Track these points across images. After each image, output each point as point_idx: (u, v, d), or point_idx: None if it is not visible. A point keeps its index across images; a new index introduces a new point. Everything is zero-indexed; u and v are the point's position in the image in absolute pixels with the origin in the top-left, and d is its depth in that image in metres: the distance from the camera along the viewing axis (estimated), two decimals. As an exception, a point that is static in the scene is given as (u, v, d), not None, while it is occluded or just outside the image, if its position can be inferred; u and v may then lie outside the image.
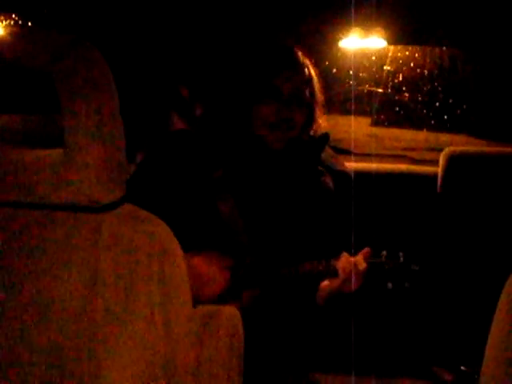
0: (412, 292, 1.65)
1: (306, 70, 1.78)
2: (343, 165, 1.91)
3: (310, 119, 1.81)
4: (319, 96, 1.83)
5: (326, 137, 1.84)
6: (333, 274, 1.62)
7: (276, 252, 1.69)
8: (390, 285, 1.63)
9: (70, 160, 0.90)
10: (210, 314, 1.00)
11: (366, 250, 1.64)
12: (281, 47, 1.80)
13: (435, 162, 2.31)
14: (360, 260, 1.61)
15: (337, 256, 1.64)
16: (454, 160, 2.17)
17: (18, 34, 0.99)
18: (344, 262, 1.61)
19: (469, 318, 2.04)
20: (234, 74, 1.83)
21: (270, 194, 1.75)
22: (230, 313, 1.02)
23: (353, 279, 1.59)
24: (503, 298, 0.88)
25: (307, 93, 1.77)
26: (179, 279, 0.97)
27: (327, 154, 1.87)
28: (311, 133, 1.84)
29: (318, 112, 1.84)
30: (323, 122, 1.86)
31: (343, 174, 1.88)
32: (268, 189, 1.75)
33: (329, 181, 1.83)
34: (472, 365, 1.81)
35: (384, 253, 1.64)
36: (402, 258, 1.63)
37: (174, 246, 0.98)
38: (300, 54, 1.79)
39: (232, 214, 1.72)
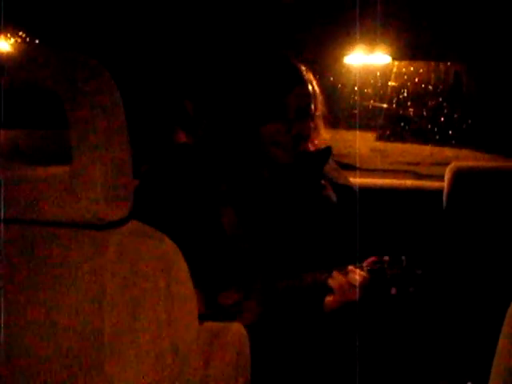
0: (416, 297, 1.64)
1: (310, 84, 1.78)
2: (346, 178, 1.90)
3: (315, 131, 1.82)
4: (322, 108, 1.83)
5: (328, 150, 1.84)
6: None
7: (279, 264, 1.69)
8: (393, 290, 1.63)
9: (76, 177, 0.90)
10: (217, 331, 1.00)
11: (371, 259, 1.64)
12: (287, 65, 1.80)
13: (441, 177, 2.30)
14: (353, 276, 1.60)
15: (340, 267, 1.64)
16: (459, 175, 2.17)
17: (26, 52, 1.00)
18: (334, 282, 1.61)
19: (474, 330, 2.03)
20: (241, 92, 1.82)
21: (275, 207, 1.75)
22: (237, 330, 1.01)
23: (354, 291, 1.60)
24: (510, 313, 0.88)
25: (312, 107, 1.77)
26: (186, 296, 0.97)
27: (330, 167, 1.87)
28: (313, 145, 1.84)
29: (321, 124, 1.84)
30: (325, 134, 1.86)
31: (346, 188, 1.88)
32: (273, 202, 1.75)
33: (331, 194, 1.83)
34: (479, 380, 1.80)
35: (386, 258, 1.64)
36: (404, 263, 1.63)
37: (180, 262, 0.98)
38: (304, 69, 1.80)
39: (235, 227, 1.72)
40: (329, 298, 1.66)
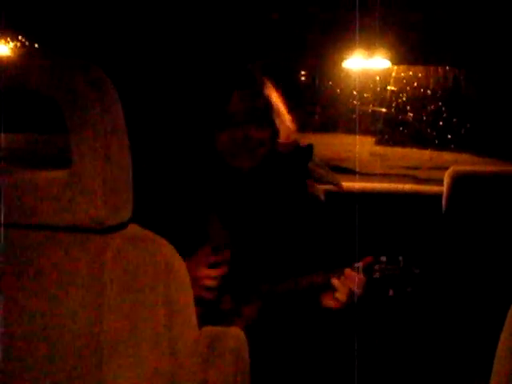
0: (414, 297, 1.63)
1: (259, 85, 1.76)
2: (333, 175, 1.88)
3: (274, 131, 1.78)
4: (278, 104, 1.80)
5: (309, 148, 1.82)
6: (331, 287, 1.61)
7: (270, 268, 1.68)
8: (391, 292, 1.61)
9: (76, 181, 0.90)
10: (216, 335, 0.99)
11: (367, 260, 1.63)
12: (224, 71, 1.78)
13: (440, 181, 2.31)
14: (351, 280, 1.60)
15: (334, 269, 1.63)
16: (458, 179, 2.17)
17: (25, 56, 1.00)
18: (341, 296, 1.61)
19: (472, 331, 2.03)
20: (188, 105, 1.82)
21: (252, 213, 1.74)
22: (235, 334, 1.01)
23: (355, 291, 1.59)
24: (509, 318, 0.88)
25: (262, 106, 1.74)
26: (184, 300, 0.97)
27: (314, 164, 1.85)
28: (282, 146, 1.81)
29: (282, 118, 1.81)
30: (291, 125, 1.83)
31: (332, 185, 1.87)
32: (249, 209, 1.74)
33: (318, 193, 1.81)
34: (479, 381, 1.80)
35: (384, 259, 1.63)
36: (402, 263, 1.62)
37: (180, 266, 0.98)
38: (250, 70, 1.78)
39: (220, 234, 1.71)
40: (329, 302, 1.65)
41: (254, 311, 1.65)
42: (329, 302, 1.64)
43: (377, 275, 1.61)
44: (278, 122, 1.78)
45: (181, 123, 1.86)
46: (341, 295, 1.60)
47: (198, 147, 1.76)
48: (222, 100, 1.69)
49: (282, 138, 1.80)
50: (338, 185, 1.88)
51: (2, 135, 1.06)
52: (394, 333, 2.16)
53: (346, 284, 1.60)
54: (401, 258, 1.62)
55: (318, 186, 1.84)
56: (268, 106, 1.75)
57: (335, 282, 1.60)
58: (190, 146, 1.79)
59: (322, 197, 1.82)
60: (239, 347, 1.01)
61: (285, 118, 1.80)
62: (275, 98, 1.79)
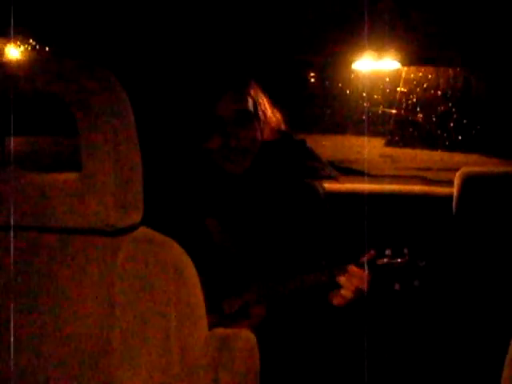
0: (421, 290, 1.61)
1: (244, 86, 1.75)
2: (330, 169, 1.85)
3: (261, 130, 1.77)
4: (265, 103, 1.80)
5: (301, 143, 1.81)
6: (337, 284, 1.60)
7: (269, 267, 1.68)
8: (397, 286, 1.60)
9: (86, 184, 0.91)
10: (226, 337, 1.00)
11: (371, 253, 1.61)
12: (208, 77, 1.77)
13: (450, 183, 2.30)
14: (356, 278, 1.58)
15: (339, 266, 1.62)
16: (469, 180, 2.16)
17: (36, 60, 1.00)
18: (347, 292, 1.60)
19: (481, 333, 2.02)
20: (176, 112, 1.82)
21: (250, 213, 1.73)
22: (246, 336, 1.01)
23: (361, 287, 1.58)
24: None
25: (249, 107, 1.74)
26: (195, 302, 0.97)
27: (312, 158, 1.83)
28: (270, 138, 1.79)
29: (269, 117, 1.80)
30: (278, 115, 1.82)
31: (329, 178, 1.86)
32: (246, 210, 1.74)
33: (317, 188, 1.80)
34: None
35: (388, 252, 1.61)
36: (407, 256, 1.60)
37: (190, 268, 0.99)
38: (234, 72, 1.78)
39: (221, 234, 1.71)
40: (335, 299, 1.64)
41: (261, 312, 1.65)
42: (335, 299, 1.63)
43: (382, 268, 1.59)
44: (265, 120, 1.77)
45: (174, 128, 1.86)
46: (346, 292, 1.59)
47: (191, 152, 1.76)
48: (209, 104, 1.69)
49: (270, 135, 1.79)
50: (335, 178, 1.85)
51: (13, 138, 1.06)
52: (402, 328, 2.15)
53: (352, 281, 1.59)
54: (406, 250, 1.60)
55: (317, 182, 1.82)
56: (255, 106, 1.74)
57: (340, 279, 1.60)
58: (183, 151, 1.79)
59: (322, 190, 1.80)
60: (249, 349, 1.01)
61: (271, 115, 1.79)
62: (261, 97, 1.78)
